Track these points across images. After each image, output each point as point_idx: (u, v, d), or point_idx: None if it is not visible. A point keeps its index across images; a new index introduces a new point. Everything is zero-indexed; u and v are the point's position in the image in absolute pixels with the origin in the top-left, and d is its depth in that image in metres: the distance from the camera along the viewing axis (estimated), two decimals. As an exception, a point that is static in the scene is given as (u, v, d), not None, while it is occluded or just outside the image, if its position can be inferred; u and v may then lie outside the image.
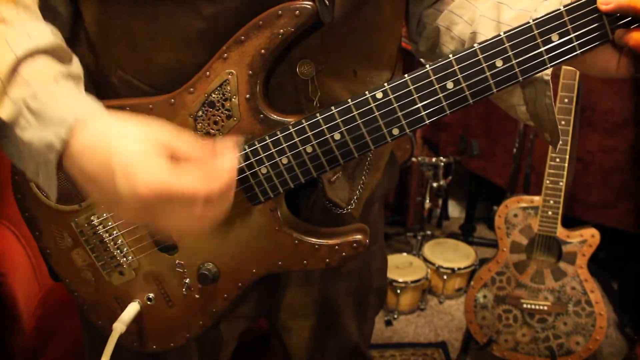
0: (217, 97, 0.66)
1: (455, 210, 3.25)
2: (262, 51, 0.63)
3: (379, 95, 0.63)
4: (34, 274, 1.38)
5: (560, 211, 1.77)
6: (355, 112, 0.63)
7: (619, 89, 2.34)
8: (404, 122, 0.64)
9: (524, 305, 1.88)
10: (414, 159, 2.47)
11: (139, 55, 0.67)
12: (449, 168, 2.64)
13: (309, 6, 0.60)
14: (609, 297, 2.45)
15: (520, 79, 0.61)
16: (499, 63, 0.60)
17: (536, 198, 1.80)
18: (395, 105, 0.63)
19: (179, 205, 0.55)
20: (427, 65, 0.61)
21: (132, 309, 0.77)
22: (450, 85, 0.61)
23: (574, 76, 1.72)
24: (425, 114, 0.63)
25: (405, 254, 2.51)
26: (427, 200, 2.61)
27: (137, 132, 0.56)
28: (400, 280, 2.28)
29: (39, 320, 1.36)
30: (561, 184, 1.74)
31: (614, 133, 2.38)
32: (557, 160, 1.74)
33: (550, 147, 1.74)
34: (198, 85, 0.66)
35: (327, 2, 0.62)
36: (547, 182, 1.75)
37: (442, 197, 2.88)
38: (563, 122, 1.73)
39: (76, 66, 0.63)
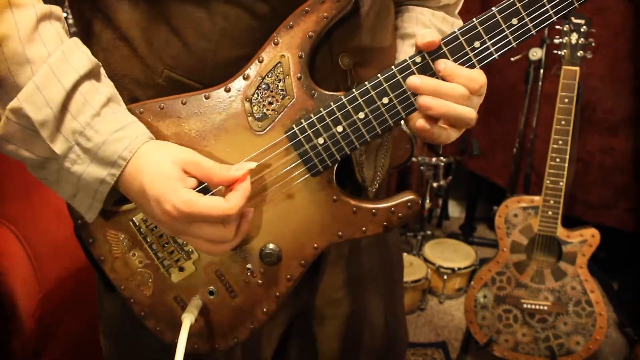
0: (271, 79, 0.72)
1: (455, 210, 3.25)
2: (310, 33, 0.71)
3: (418, 59, 0.70)
4: (34, 274, 1.38)
5: (560, 211, 1.77)
6: (399, 77, 0.71)
7: (619, 89, 2.34)
8: None
9: (524, 305, 1.88)
10: (414, 159, 2.47)
11: (192, 56, 0.72)
12: (449, 168, 2.64)
13: None
14: (609, 297, 2.45)
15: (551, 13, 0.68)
16: (515, 21, 0.68)
17: (536, 198, 1.81)
18: (434, 68, 0.70)
19: (201, 223, 0.65)
20: (456, 30, 0.69)
21: (195, 304, 0.77)
22: (477, 44, 0.69)
23: (574, 76, 1.72)
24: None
25: (405, 254, 2.51)
26: (427, 200, 2.61)
27: (164, 160, 0.66)
28: (400, 280, 2.28)
29: (39, 320, 1.36)
30: (561, 184, 1.74)
31: (614, 133, 2.38)
32: (557, 160, 1.74)
33: (551, 147, 1.74)
34: (253, 71, 0.72)
35: None
36: (547, 182, 1.76)
37: (442, 197, 2.88)
38: (563, 122, 1.73)
39: (107, 80, 0.70)
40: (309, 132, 0.73)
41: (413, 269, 2.38)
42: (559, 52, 1.75)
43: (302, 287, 0.83)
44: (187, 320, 0.75)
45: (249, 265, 0.77)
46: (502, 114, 2.68)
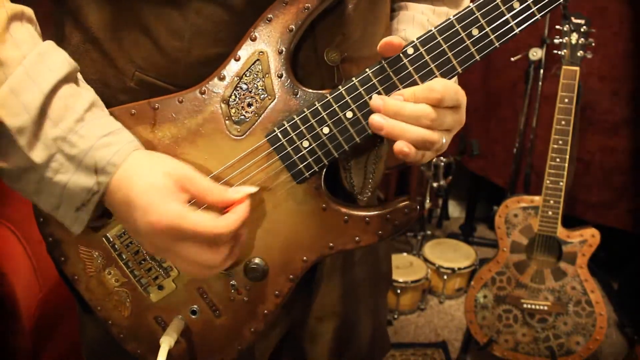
0: (250, 78, 0.66)
1: (455, 210, 3.25)
2: (291, 27, 0.64)
3: (410, 50, 0.64)
4: (34, 274, 1.38)
5: (560, 211, 1.77)
6: (389, 71, 0.64)
7: (619, 89, 2.34)
8: (437, 73, 0.65)
9: (524, 305, 1.88)
10: (414, 159, 2.47)
11: (164, 56, 0.67)
12: (449, 168, 2.64)
13: None
14: (609, 297, 2.45)
15: (539, 16, 0.63)
16: (516, 5, 0.63)
17: (536, 198, 1.80)
18: (427, 58, 0.64)
19: (189, 242, 0.60)
20: (452, 16, 0.64)
21: (176, 324, 0.72)
22: (475, 31, 0.64)
23: (574, 76, 1.72)
24: (457, 62, 0.65)
25: (405, 254, 2.51)
26: (427, 200, 2.61)
27: (158, 172, 0.61)
28: (401, 280, 2.28)
29: (39, 320, 1.36)
30: (561, 183, 1.74)
31: (614, 133, 2.38)
32: (557, 160, 1.74)
33: (551, 147, 1.74)
34: (228, 71, 0.66)
35: None
36: (547, 182, 1.75)
37: (442, 197, 2.88)
38: (563, 122, 1.73)
39: (85, 85, 0.65)
40: (292, 134, 0.66)
41: (413, 269, 2.38)
42: (559, 52, 1.75)
43: (295, 302, 0.79)
44: (165, 344, 0.69)
45: (233, 282, 0.71)
46: (502, 114, 2.67)
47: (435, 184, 2.58)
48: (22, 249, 1.35)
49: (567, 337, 1.88)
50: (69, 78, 0.62)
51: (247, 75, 0.66)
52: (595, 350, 1.88)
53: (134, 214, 0.60)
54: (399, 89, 0.65)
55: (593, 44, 1.75)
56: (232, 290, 0.72)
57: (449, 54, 0.64)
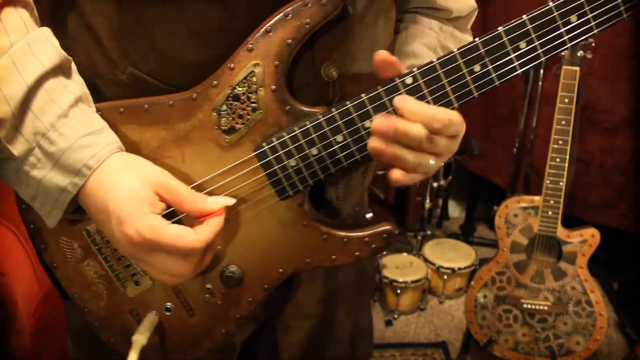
0: (243, 89, 0.65)
1: (455, 210, 3.25)
2: (289, 41, 0.63)
3: (409, 80, 0.63)
4: (34, 274, 1.38)
5: (560, 211, 1.77)
6: (385, 99, 0.63)
7: (619, 89, 2.34)
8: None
9: (524, 305, 1.88)
10: (414, 159, 2.47)
11: (159, 54, 0.66)
12: (449, 168, 2.64)
13: None
14: (609, 297, 2.45)
15: (543, 59, 0.63)
16: (522, 45, 0.61)
17: (536, 198, 1.80)
18: (425, 90, 0.63)
19: (163, 254, 0.60)
20: (455, 50, 0.62)
21: (150, 321, 0.73)
22: (477, 68, 0.62)
23: (574, 76, 1.72)
24: (454, 97, 0.64)
25: (405, 254, 2.51)
26: (427, 200, 2.60)
27: (136, 179, 0.60)
28: (401, 280, 2.28)
29: (39, 320, 1.36)
30: (561, 184, 1.74)
31: (614, 133, 2.38)
32: (557, 160, 1.74)
33: (551, 147, 1.74)
34: (222, 79, 0.65)
35: None
36: (547, 182, 1.75)
37: (442, 197, 2.88)
38: (563, 122, 1.73)
39: (77, 78, 0.64)
40: (280, 152, 0.66)
41: (413, 269, 2.38)
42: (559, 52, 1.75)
43: (272, 300, 0.79)
44: (138, 343, 0.70)
45: (208, 285, 0.72)
46: (502, 114, 2.67)
47: (435, 184, 2.58)
48: (22, 248, 1.35)
49: (567, 337, 1.88)
50: (58, 70, 0.60)
51: (241, 86, 0.65)
52: (595, 350, 1.88)
53: (110, 221, 0.59)
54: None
55: (593, 44, 1.75)
56: (207, 294, 0.73)
57: (448, 88, 0.63)
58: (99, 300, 0.74)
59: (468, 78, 0.62)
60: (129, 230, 0.58)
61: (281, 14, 0.63)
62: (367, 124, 0.64)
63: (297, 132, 0.65)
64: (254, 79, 0.64)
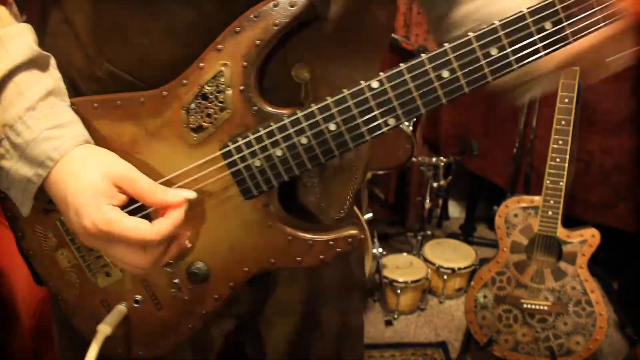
0: (211, 89, 0.65)
1: (455, 210, 3.25)
2: (257, 42, 0.63)
3: (375, 84, 0.62)
4: (34, 274, 1.38)
5: (560, 211, 1.77)
6: (350, 102, 0.63)
7: (619, 89, 2.34)
8: (399, 111, 0.63)
9: (524, 305, 1.88)
10: (414, 159, 2.47)
11: (133, 52, 0.66)
12: (449, 168, 2.64)
13: None
14: (609, 297, 2.45)
15: (515, 67, 0.61)
16: (493, 51, 0.60)
17: (536, 198, 1.80)
18: (391, 94, 0.63)
19: (121, 245, 0.61)
20: (423, 55, 0.61)
21: (117, 312, 0.75)
22: (445, 74, 0.61)
23: (574, 76, 1.72)
24: (421, 103, 0.63)
25: (405, 254, 2.51)
26: (427, 200, 2.61)
27: (96, 171, 0.61)
28: (401, 280, 2.28)
29: (39, 321, 1.36)
30: (561, 184, 1.74)
31: (614, 133, 2.38)
32: (557, 160, 1.74)
33: (551, 147, 1.74)
34: (191, 77, 0.65)
35: None
36: (547, 182, 1.76)
37: (442, 197, 2.88)
38: (563, 122, 1.73)
39: (54, 73, 0.65)
40: (245, 152, 0.66)
41: (413, 269, 2.38)
42: (559, 52, 1.75)
43: (254, 296, 0.80)
44: (102, 333, 0.72)
45: (176, 280, 0.73)
46: (502, 114, 2.67)
47: (435, 184, 2.58)
48: (22, 249, 1.35)
49: (567, 337, 1.88)
50: (30, 64, 0.62)
51: (209, 85, 0.65)
52: (595, 350, 1.88)
53: (69, 212, 0.61)
54: (358, 122, 0.64)
55: (593, 44, 1.75)
56: (174, 289, 0.74)
57: (415, 94, 0.62)
58: (71, 289, 0.76)
59: (436, 84, 0.61)
60: (85, 221, 0.59)
61: (250, 15, 0.62)
62: (331, 126, 0.64)
63: (261, 132, 0.65)
64: (222, 78, 0.65)
